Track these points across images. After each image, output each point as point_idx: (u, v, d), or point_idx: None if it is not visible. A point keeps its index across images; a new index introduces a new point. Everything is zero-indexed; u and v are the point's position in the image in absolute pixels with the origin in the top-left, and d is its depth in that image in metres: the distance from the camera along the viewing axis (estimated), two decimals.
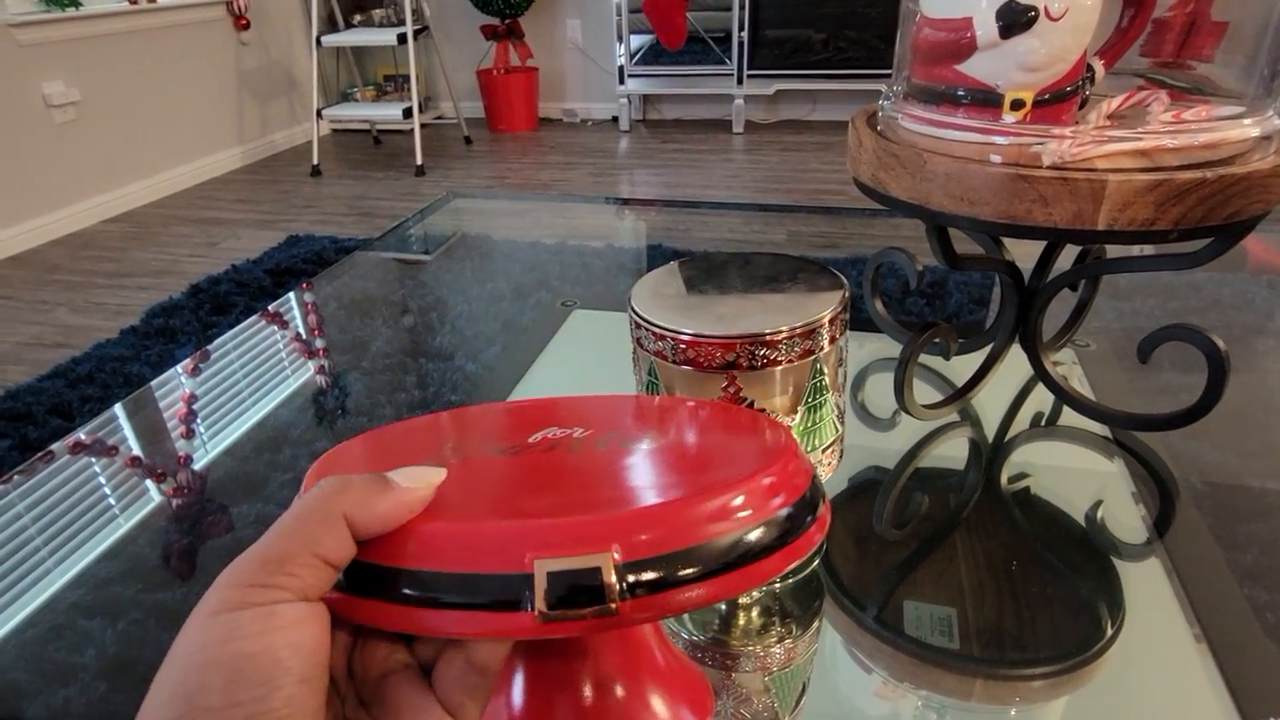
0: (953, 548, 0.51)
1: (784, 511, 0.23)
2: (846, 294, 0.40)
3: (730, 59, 3.55)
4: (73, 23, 2.78)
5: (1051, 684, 0.42)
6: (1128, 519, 0.51)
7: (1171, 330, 0.48)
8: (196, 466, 0.67)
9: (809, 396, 0.39)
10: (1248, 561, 0.50)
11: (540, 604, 0.20)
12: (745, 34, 3.47)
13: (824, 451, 0.42)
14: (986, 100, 0.45)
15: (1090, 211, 0.40)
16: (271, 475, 0.64)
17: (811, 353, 0.38)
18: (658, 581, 0.21)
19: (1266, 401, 0.66)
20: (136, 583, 0.53)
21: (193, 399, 0.76)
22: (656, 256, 1.84)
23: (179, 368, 0.82)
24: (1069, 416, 0.57)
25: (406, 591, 0.21)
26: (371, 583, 0.22)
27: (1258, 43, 0.44)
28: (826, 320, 0.38)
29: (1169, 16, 0.51)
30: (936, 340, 0.51)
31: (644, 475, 0.25)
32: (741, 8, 3.42)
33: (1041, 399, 0.62)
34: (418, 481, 0.22)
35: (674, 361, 0.38)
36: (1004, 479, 0.56)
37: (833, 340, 0.39)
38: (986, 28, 0.43)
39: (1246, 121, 0.41)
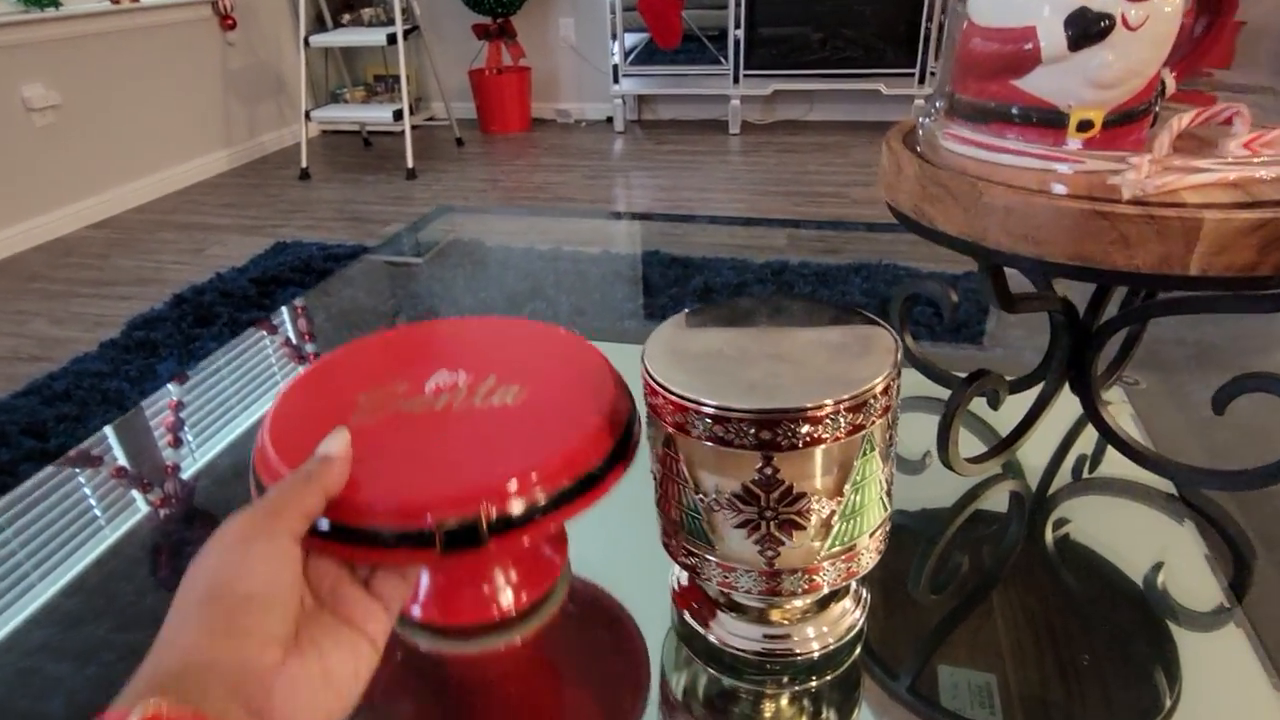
0: (990, 610, 0.46)
1: (596, 466, 0.37)
2: (899, 354, 0.34)
3: (726, 58, 3.49)
4: (52, 23, 2.70)
5: None
6: (1192, 584, 0.46)
7: (1253, 380, 0.42)
8: (182, 482, 0.62)
9: (856, 475, 0.33)
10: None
11: (438, 546, 0.33)
12: (741, 33, 3.41)
13: (870, 536, 0.36)
14: (1049, 120, 0.39)
15: (1180, 254, 0.34)
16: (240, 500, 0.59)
17: (861, 428, 0.32)
18: (513, 522, 0.34)
19: None
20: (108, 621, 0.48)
21: (178, 420, 0.71)
22: (653, 263, 1.79)
23: (169, 386, 0.77)
24: (1114, 465, 0.52)
25: (352, 538, 0.33)
26: (331, 531, 0.33)
27: None
28: (879, 390, 0.32)
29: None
30: (984, 391, 0.45)
31: (507, 439, 0.37)
32: (737, 6, 3.35)
33: (1085, 442, 0.56)
34: (342, 450, 0.34)
35: (698, 437, 0.32)
36: (1049, 535, 0.50)
37: (885, 411, 0.33)
38: (1053, 38, 0.37)
39: None
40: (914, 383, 0.61)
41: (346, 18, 3.63)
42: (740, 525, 0.34)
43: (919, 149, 0.44)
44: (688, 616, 0.42)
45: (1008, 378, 0.54)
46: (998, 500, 0.53)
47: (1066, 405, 0.52)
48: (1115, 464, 0.52)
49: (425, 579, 0.43)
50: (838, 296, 1.77)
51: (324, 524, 0.33)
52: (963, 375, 0.48)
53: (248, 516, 0.30)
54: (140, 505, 0.60)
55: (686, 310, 0.38)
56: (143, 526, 0.58)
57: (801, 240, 2.21)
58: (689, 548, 0.37)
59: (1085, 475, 0.55)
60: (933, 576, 0.48)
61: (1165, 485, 0.51)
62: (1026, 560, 0.49)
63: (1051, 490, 0.54)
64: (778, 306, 0.38)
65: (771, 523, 0.33)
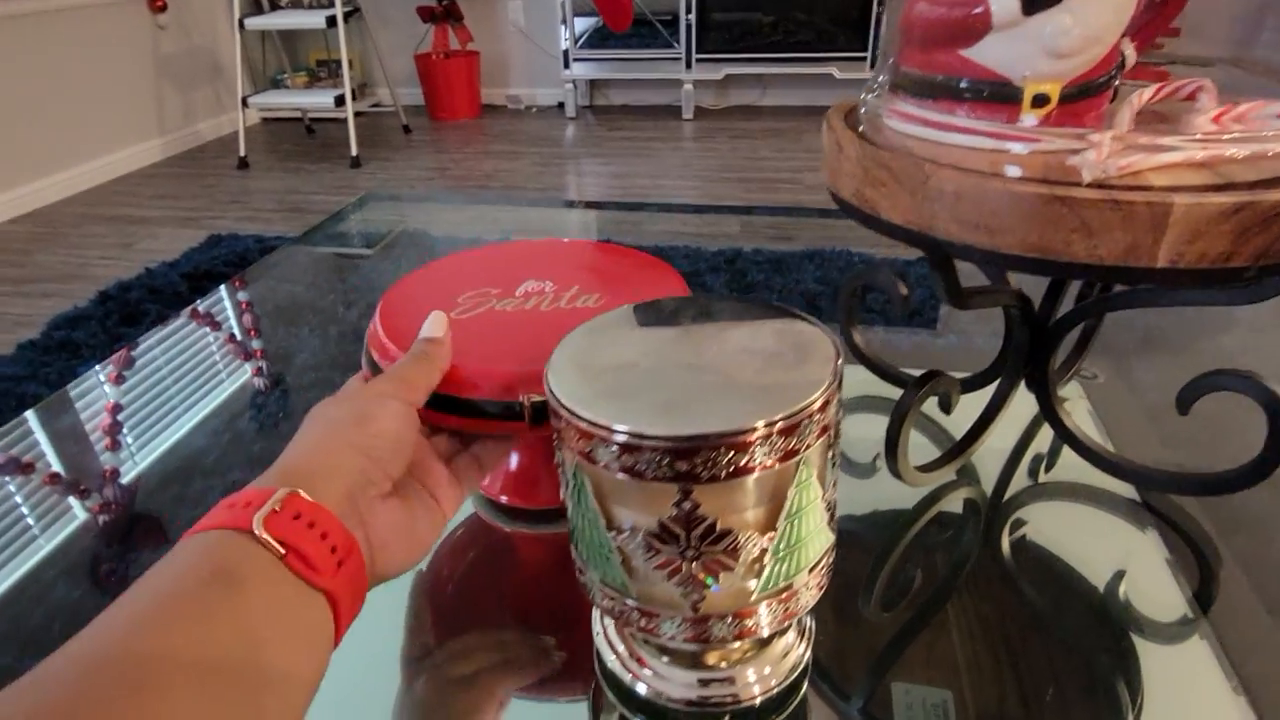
0: (945, 622, 0.42)
1: None
2: (839, 362, 0.29)
3: (678, 42, 3.43)
4: None
5: None
6: (1155, 592, 0.43)
7: (1217, 378, 0.39)
8: (123, 484, 0.57)
9: (791, 505, 0.29)
10: (1276, 590, 0.43)
11: (527, 418, 0.38)
12: (693, 17, 3.35)
13: (810, 571, 0.32)
14: (1002, 95, 0.35)
15: (1148, 244, 0.30)
16: (179, 512, 0.54)
17: (795, 453, 0.27)
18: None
19: (1241, 398, 0.59)
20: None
21: (116, 411, 0.66)
22: None
23: (100, 374, 0.71)
24: (1073, 459, 0.49)
25: (457, 408, 0.39)
26: (438, 403, 0.38)
27: None
28: (816, 407, 0.27)
29: None
30: (936, 394, 0.41)
31: None
32: None
33: (1043, 438, 0.53)
34: (445, 331, 0.39)
35: (607, 467, 0.27)
36: (1006, 543, 0.47)
37: (824, 430, 0.28)
38: (1004, 2, 0.33)
39: None
40: (864, 380, 0.57)
41: (285, 0, 3.50)
42: (660, 566, 0.29)
43: (861, 129, 0.40)
44: (612, 663, 0.38)
45: (961, 374, 0.50)
46: (952, 505, 0.50)
47: (1022, 400, 0.49)
48: (1074, 461, 0.49)
49: (514, 461, 0.49)
50: (791, 284, 1.73)
51: (450, 402, 0.39)
52: (914, 373, 0.44)
53: (382, 381, 0.35)
54: (78, 512, 0.55)
55: (600, 315, 0.34)
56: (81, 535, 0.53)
57: (755, 227, 2.18)
58: (606, 590, 0.32)
59: (1044, 474, 0.52)
60: (884, 592, 0.45)
61: (1126, 487, 0.48)
62: (983, 570, 0.46)
63: (1009, 494, 0.51)
64: (705, 307, 0.34)
65: (694, 563, 0.29)
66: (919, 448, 0.51)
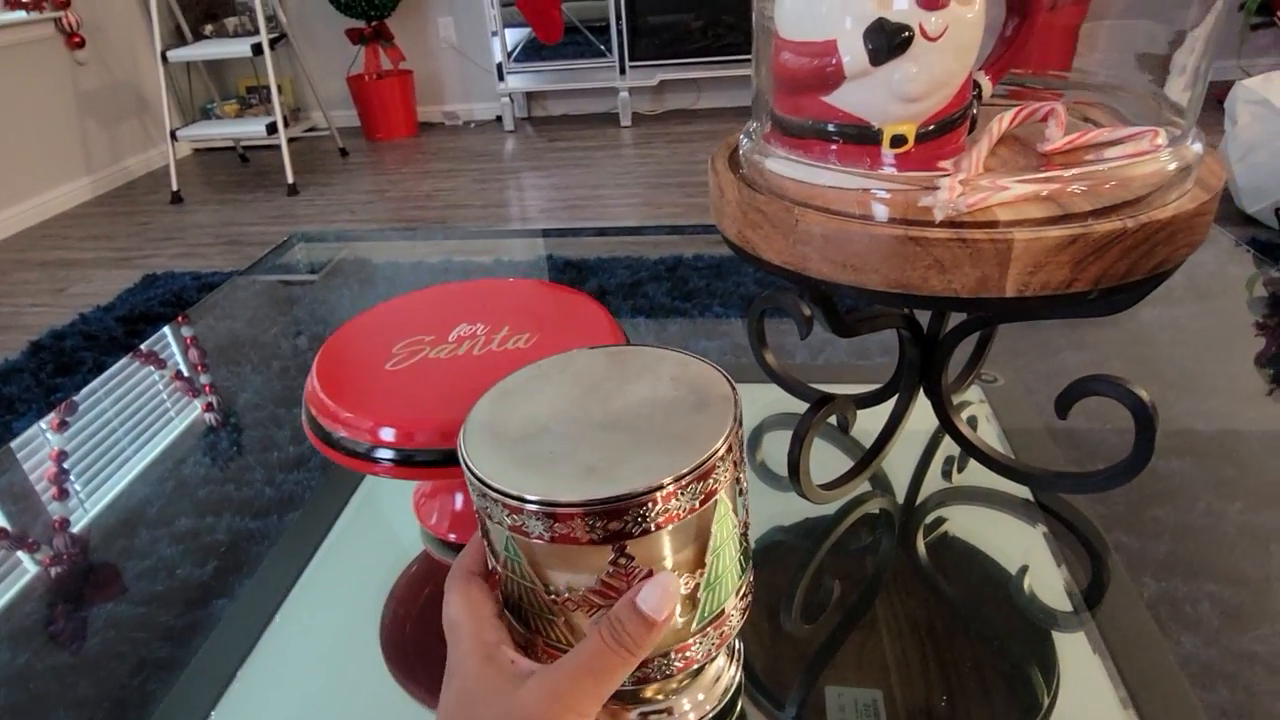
0: (873, 626, 0.44)
1: None
2: (737, 399, 0.31)
3: (610, 50, 3.45)
4: None
5: None
6: (1052, 586, 0.45)
7: (1090, 383, 0.42)
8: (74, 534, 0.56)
9: (715, 541, 0.30)
10: (1160, 551, 0.47)
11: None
12: (624, 23, 3.37)
13: (737, 595, 0.33)
14: (862, 137, 0.37)
15: (996, 277, 0.33)
16: (126, 565, 0.54)
17: (714, 493, 0.29)
18: None
19: (1159, 372, 0.64)
20: None
21: (62, 460, 0.66)
22: (548, 268, 1.74)
23: (44, 425, 0.69)
24: (980, 468, 0.51)
25: (403, 460, 0.41)
26: (384, 457, 0.41)
27: (1157, 53, 0.38)
28: (724, 450, 0.29)
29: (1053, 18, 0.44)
30: (832, 415, 0.43)
31: None
32: None
33: (951, 445, 0.56)
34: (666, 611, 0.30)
35: (540, 538, 0.29)
36: (920, 547, 0.49)
37: (733, 466, 0.30)
38: (854, 53, 0.35)
39: (1164, 155, 0.35)
40: (779, 398, 0.59)
41: (209, 28, 3.43)
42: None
43: (743, 170, 0.42)
44: None
45: (863, 390, 0.53)
46: (869, 514, 0.52)
47: (928, 412, 0.51)
48: (979, 469, 0.52)
49: (459, 502, 0.50)
50: (731, 288, 1.76)
51: (387, 454, 0.41)
52: (825, 389, 0.46)
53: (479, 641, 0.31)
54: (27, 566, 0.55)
55: (502, 382, 0.35)
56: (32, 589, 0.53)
57: (695, 235, 2.20)
58: (549, 650, 0.33)
59: (956, 475, 0.55)
60: (805, 602, 0.47)
61: (1026, 490, 0.51)
62: (901, 573, 0.48)
63: (920, 499, 0.53)
64: (605, 359, 0.35)
65: None
66: (834, 461, 0.53)
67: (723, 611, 0.33)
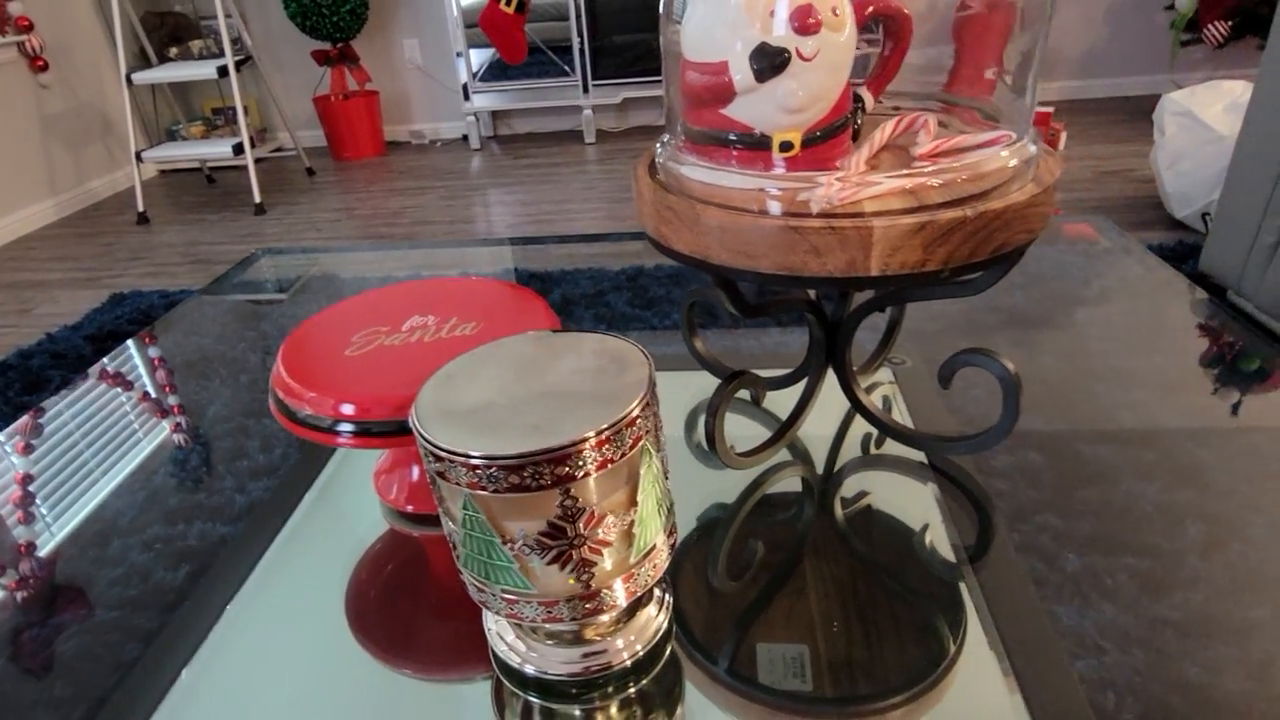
0: (801, 586, 0.50)
1: None
2: (650, 364, 0.37)
3: (574, 69, 3.53)
4: None
5: (902, 713, 0.41)
6: (943, 542, 0.51)
7: (965, 356, 0.48)
8: (40, 558, 0.58)
9: (644, 482, 0.36)
10: (1085, 529, 0.51)
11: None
12: (586, 43, 3.45)
13: (666, 534, 0.39)
14: (756, 144, 0.43)
15: (862, 259, 0.39)
16: (98, 573, 0.56)
17: (640, 439, 0.35)
18: None
19: (1089, 366, 0.69)
20: None
21: (27, 483, 0.67)
22: (513, 280, 1.80)
23: (7, 445, 0.71)
24: (893, 445, 0.57)
25: (363, 431, 0.47)
26: (345, 429, 0.47)
27: (1004, 70, 0.44)
28: (647, 401, 0.35)
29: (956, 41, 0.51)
30: (744, 388, 0.49)
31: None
32: (579, 17, 3.40)
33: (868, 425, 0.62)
34: None
35: (497, 490, 0.34)
36: (838, 512, 0.55)
37: (653, 418, 0.36)
38: (743, 72, 0.41)
39: (1004, 153, 0.41)
40: (709, 384, 0.65)
41: (174, 51, 3.46)
42: (553, 560, 0.36)
43: (659, 176, 0.48)
44: (503, 651, 0.44)
45: (780, 371, 0.59)
46: (790, 483, 0.58)
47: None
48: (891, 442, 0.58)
49: (415, 473, 0.55)
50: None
51: (347, 426, 0.46)
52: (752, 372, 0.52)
53: None
54: None
55: (437, 371, 0.40)
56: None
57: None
58: (507, 597, 0.38)
59: (873, 449, 0.61)
60: (730, 563, 0.52)
61: (923, 456, 0.57)
62: (821, 537, 0.53)
63: (837, 468, 0.59)
64: (530, 342, 0.41)
65: (582, 549, 0.35)
66: (756, 433, 0.59)
67: (654, 546, 0.38)
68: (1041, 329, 0.78)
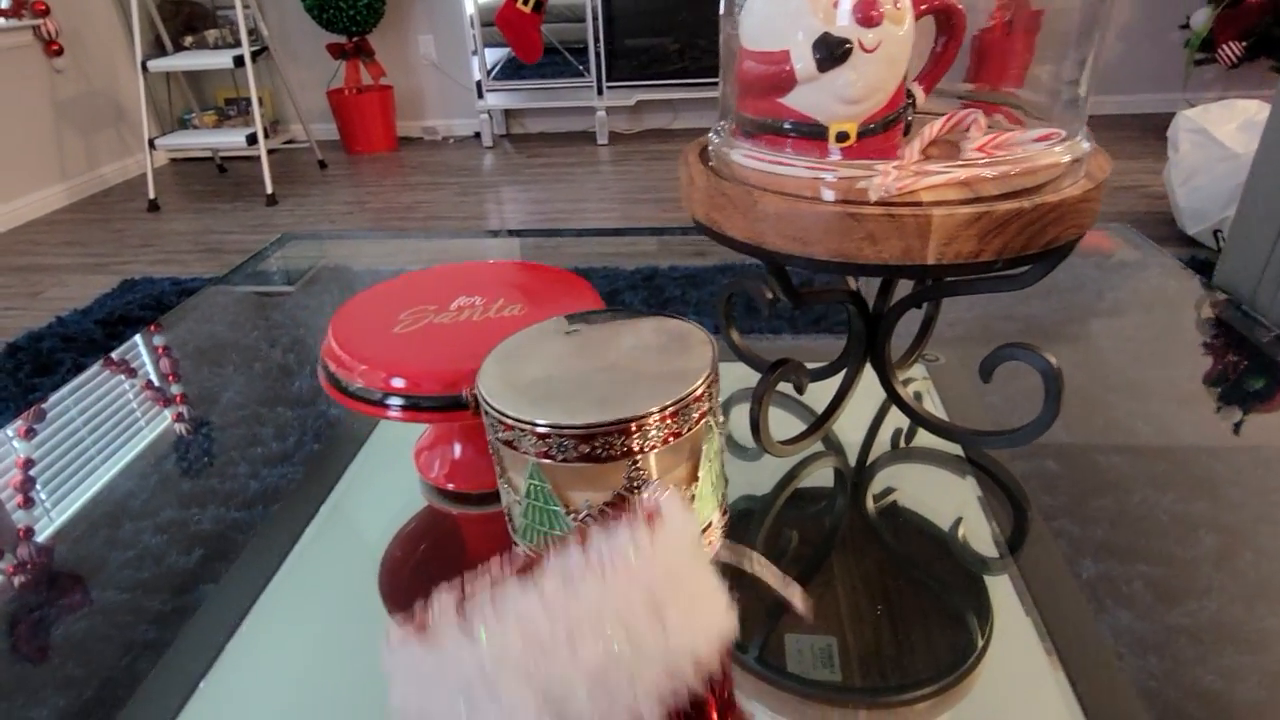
0: (829, 578, 0.50)
1: None
2: (714, 343, 0.37)
3: (589, 71, 3.54)
4: None
5: (931, 705, 0.41)
6: (982, 535, 0.52)
7: (1007, 350, 0.49)
8: (38, 544, 0.59)
9: (706, 455, 0.36)
10: (1099, 536, 0.52)
11: (473, 408, 0.42)
12: (601, 45, 3.47)
13: (721, 512, 0.39)
14: (812, 133, 0.44)
15: (919, 247, 0.39)
16: (110, 554, 0.56)
17: (704, 416, 0.35)
18: None
19: (1104, 377, 0.69)
20: None
21: (28, 467, 0.68)
22: None
23: (10, 432, 0.71)
24: (927, 434, 0.58)
25: (413, 406, 0.46)
26: (399, 404, 0.47)
27: (1060, 67, 0.45)
28: (709, 380, 0.35)
29: (981, 41, 0.51)
30: (789, 378, 0.49)
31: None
32: (595, 20, 3.42)
33: (901, 416, 0.62)
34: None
35: (565, 460, 0.34)
36: (870, 504, 0.56)
37: (714, 397, 0.36)
38: (804, 61, 0.41)
39: (1058, 149, 0.42)
40: (744, 376, 0.65)
41: (189, 40, 3.46)
42: None
43: (711, 163, 0.48)
44: None
45: (818, 364, 0.59)
46: (824, 475, 0.58)
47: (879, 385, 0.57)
48: (925, 432, 0.58)
49: (458, 451, 0.55)
50: (706, 297, 1.84)
51: (397, 400, 0.46)
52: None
53: None
54: None
55: (497, 345, 0.40)
56: None
57: (671, 245, 2.28)
58: None
59: (903, 444, 0.61)
60: (765, 552, 0.52)
61: (959, 450, 0.57)
62: (853, 528, 0.54)
63: (870, 461, 0.60)
64: (593, 319, 0.41)
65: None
66: (793, 425, 0.60)
67: (710, 523, 0.39)
68: (1057, 342, 0.78)
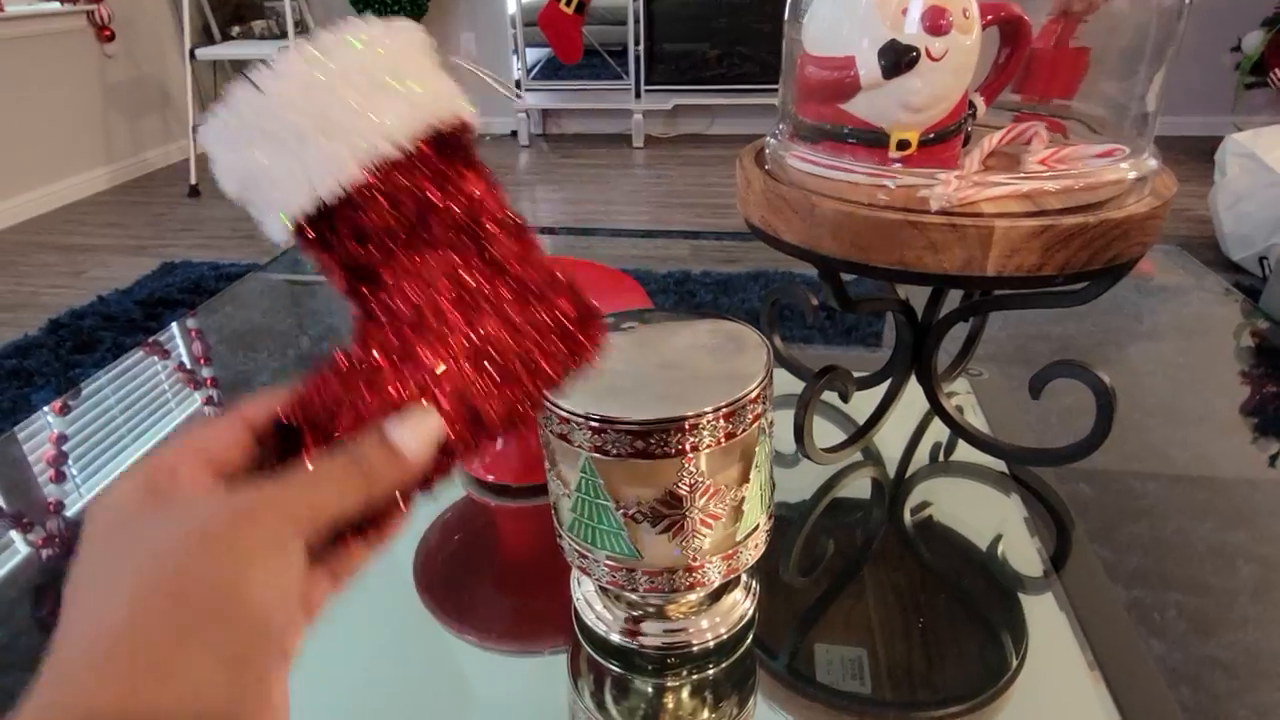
0: (861, 589, 0.50)
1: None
2: (769, 347, 0.37)
3: (627, 74, 3.55)
4: None
5: None
6: (1025, 553, 0.51)
7: (1059, 367, 0.48)
8: (67, 517, 0.60)
9: (758, 459, 0.36)
10: (1132, 563, 0.51)
11: None
12: (641, 49, 3.47)
13: (767, 516, 0.39)
14: (873, 140, 0.43)
15: (980, 258, 0.39)
16: None
17: (759, 418, 0.35)
18: None
19: (1140, 401, 0.68)
20: None
21: (61, 443, 0.69)
22: None
23: (46, 409, 0.73)
24: (966, 449, 0.57)
25: None
26: None
27: (1129, 83, 0.44)
28: (764, 383, 0.35)
29: (1038, 53, 0.51)
30: (835, 386, 0.49)
31: None
32: (637, 23, 3.43)
33: (941, 429, 0.62)
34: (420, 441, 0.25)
35: (618, 455, 0.34)
36: (907, 516, 0.55)
37: (768, 401, 0.36)
38: (869, 67, 0.41)
39: (1124, 165, 0.41)
40: (783, 382, 0.65)
41: (236, 29, 3.52)
42: (664, 529, 0.36)
43: (767, 166, 0.48)
44: (591, 620, 0.44)
45: (863, 373, 0.59)
46: (862, 485, 0.58)
47: (921, 396, 0.57)
48: (965, 447, 0.57)
49: (499, 443, 0.53)
50: (737, 303, 1.83)
51: None
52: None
53: (266, 487, 0.22)
54: (19, 546, 0.58)
55: None
56: (21, 570, 0.56)
57: (703, 250, 2.28)
58: (610, 564, 0.38)
59: (941, 458, 0.60)
60: (801, 560, 0.52)
61: (1003, 465, 0.57)
62: (889, 540, 0.53)
63: (909, 473, 0.59)
64: (648, 318, 0.41)
65: (696, 519, 0.36)
66: (831, 433, 0.59)
67: (757, 526, 0.39)
68: (1095, 366, 0.77)
